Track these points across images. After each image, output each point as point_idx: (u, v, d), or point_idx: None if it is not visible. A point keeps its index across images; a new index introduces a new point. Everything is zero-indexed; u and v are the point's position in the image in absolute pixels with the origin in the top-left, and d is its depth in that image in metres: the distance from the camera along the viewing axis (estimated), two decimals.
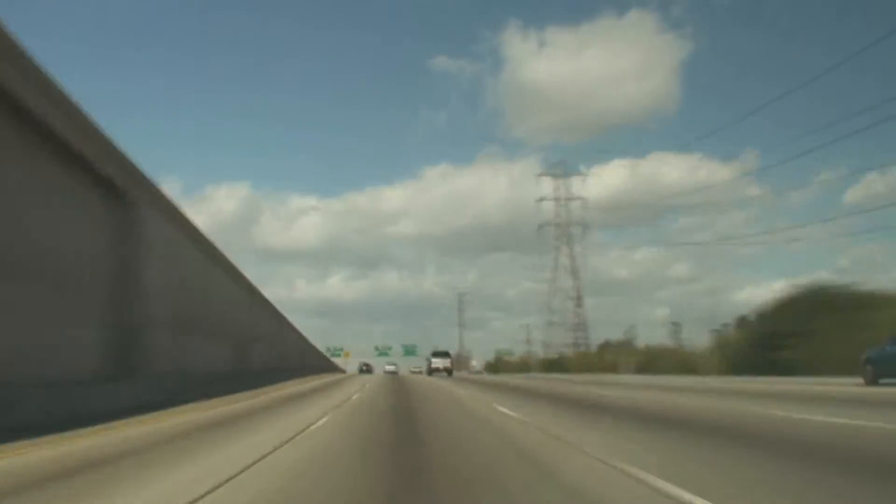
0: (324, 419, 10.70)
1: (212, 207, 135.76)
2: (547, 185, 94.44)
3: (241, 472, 5.56)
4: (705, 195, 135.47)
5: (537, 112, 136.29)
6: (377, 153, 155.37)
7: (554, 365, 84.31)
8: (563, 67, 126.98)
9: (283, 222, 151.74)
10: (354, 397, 17.45)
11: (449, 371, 57.22)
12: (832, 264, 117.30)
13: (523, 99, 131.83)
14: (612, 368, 67.13)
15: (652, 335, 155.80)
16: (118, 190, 14.76)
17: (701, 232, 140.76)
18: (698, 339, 72.68)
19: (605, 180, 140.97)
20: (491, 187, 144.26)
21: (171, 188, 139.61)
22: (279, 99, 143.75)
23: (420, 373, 67.54)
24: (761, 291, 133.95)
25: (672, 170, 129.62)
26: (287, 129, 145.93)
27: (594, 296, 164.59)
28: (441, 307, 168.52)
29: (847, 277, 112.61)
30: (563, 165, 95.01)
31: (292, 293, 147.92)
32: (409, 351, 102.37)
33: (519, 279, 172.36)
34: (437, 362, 58.74)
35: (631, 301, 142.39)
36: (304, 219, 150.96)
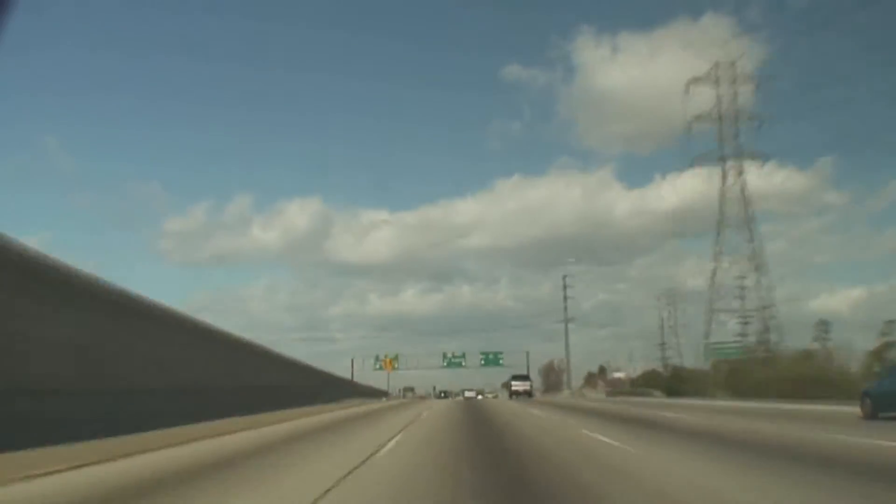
0: None
1: (285, 223, 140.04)
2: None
3: None
4: (781, 202, 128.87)
5: (610, 121, 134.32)
6: (451, 166, 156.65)
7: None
8: (637, 73, 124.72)
9: (356, 237, 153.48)
10: None
11: (529, 394, 56.95)
12: None
13: (596, 107, 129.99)
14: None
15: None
16: None
17: (776, 239, 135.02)
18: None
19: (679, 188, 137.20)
20: (564, 198, 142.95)
21: (242, 203, 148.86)
22: (352, 114, 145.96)
23: (495, 397, 65.50)
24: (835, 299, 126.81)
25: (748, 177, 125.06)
26: (357, 144, 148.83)
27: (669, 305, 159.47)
28: (511, 319, 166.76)
29: None
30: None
31: (363, 307, 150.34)
32: (492, 360, 79.55)
33: (595, 291, 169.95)
34: (518, 385, 58.42)
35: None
36: (376, 233, 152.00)
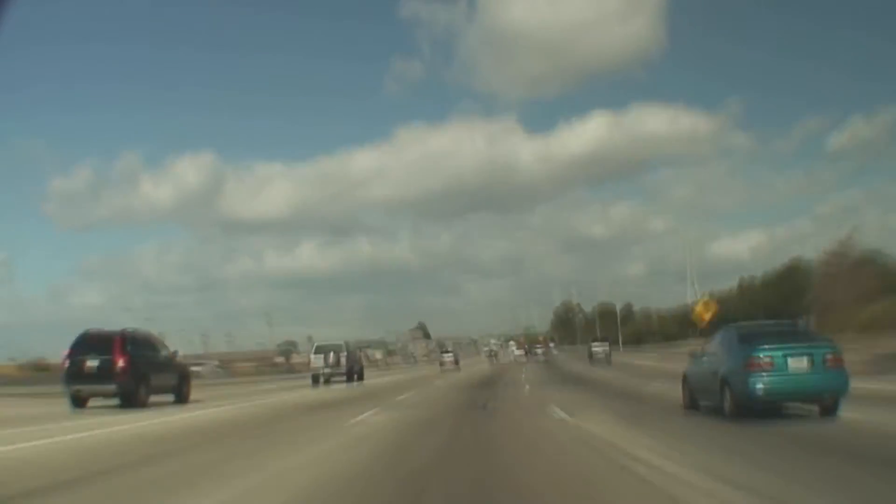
0: None
1: (176, 179, 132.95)
2: None
3: None
4: (687, 146, 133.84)
5: (513, 61, 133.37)
6: (349, 113, 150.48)
7: None
8: (542, 10, 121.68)
9: (251, 191, 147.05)
10: None
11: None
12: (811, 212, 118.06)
13: (499, 47, 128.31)
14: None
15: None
16: None
17: (681, 184, 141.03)
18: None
19: (585, 134, 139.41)
20: (467, 146, 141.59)
21: (131, 160, 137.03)
22: (235, 55, 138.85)
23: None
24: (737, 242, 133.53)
25: (652, 121, 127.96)
26: (247, 89, 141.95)
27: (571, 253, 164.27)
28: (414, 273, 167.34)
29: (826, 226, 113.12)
30: None
31: (261, 265, 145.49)
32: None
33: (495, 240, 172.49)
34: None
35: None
36: (272, 187, 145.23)
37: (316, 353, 33.61)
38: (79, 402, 17.87)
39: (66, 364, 17.90)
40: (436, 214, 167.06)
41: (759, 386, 10.66)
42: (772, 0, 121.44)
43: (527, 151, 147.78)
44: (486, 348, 73.97)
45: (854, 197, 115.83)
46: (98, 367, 17.53)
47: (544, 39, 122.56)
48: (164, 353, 20.14)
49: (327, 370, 32.61)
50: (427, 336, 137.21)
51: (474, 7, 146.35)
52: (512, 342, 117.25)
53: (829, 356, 10.90)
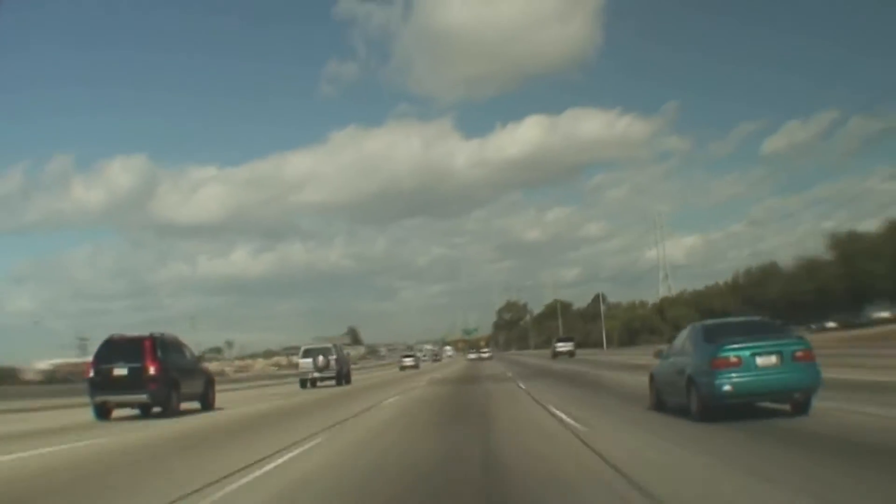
0: None
1: (108, 183, 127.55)
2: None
3: None
4: (623, 150, 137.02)
5: (450, 63, 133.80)
6: (283, 116, 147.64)
7: None
8: (478, 11, 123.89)
9: (184, 195, 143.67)
10: None
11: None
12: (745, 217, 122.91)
13: (435, 48, 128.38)
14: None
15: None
16: None
17: (617, 188, 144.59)
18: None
19: (520, 137, 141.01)
20: (402, 149, 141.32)
21: (63, 162, 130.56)
22: (167, 57, 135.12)
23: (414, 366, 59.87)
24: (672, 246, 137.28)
25: (589, 125, 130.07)
26: (180, 92, 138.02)
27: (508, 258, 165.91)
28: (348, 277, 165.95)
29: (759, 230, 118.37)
30: None
31: (194, 270, 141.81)
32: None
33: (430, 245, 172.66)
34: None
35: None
36: (205, 190, 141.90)
37: (304, 356, 33.07)
38: (104, 412, 17.06)
39: (91, 373, 16.98)
40: (371, 219, 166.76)
41: (727, 387, 10.11)
42: (708, 5, 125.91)
43: (463, 155, 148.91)
44: (406, 358, 64.56)
45: (790, 201, 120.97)
46: (127, 375, 16.66)
47: (481, 41, 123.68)
48: (191, 357, 19.41)
49: (317, 373, 32.08)
50: (357, 341, 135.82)
51: (410, 7, 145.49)
52: (448, 346, 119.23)
53: (798, 351, 10.34)
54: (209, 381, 20.00)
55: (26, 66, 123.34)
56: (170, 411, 17.02)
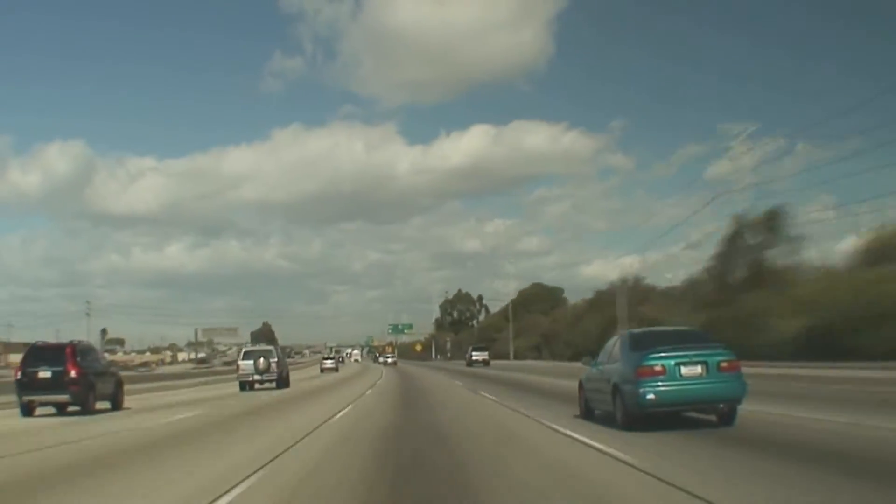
0: None
1: (43, 168, 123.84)
2: None
3: None
4: (566, 165, 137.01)
5: (397, 65, 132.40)
6: (225, 111, 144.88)
7: None
8: (428, 12, 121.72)
9: (121, 185, 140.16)
10: None
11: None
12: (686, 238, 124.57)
13: (383, 49, 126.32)
14: None
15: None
16: None
17: (558, 203, 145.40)
18: None
19: (464, 146, 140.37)
20: (344, 152, 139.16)
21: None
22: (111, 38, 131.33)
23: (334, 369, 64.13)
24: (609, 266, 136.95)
25: (534, 138, 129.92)
26: (121, 82, 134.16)
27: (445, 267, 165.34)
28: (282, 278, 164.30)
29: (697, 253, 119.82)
30: None
31: (128, 261, 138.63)
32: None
33: (368, 251, 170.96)
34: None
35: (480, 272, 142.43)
36: (143, 181, 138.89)
37: (244, 358, 32.71)
38: (29, 410, 18.63)
39: (19, 375, 18.68)
40: (309, 220, 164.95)
41: (650, 395, 10.08)
42: (671, 21, 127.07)
43: (405, 161, 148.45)
44: (327, 360, 68.83)
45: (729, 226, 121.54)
46: (51, 378, 18.25)
47: (429, 44, 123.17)
48: (104, 362, 21.57)
49: (257, 376, 31.93)
50: (271, 339, 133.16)
51: (360, 5, 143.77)
52: (356, 350, 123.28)
53: (724, 362, 10.28)
54: (118, 383, 21.68)
55: None
56: (87, 410, 18.68)
